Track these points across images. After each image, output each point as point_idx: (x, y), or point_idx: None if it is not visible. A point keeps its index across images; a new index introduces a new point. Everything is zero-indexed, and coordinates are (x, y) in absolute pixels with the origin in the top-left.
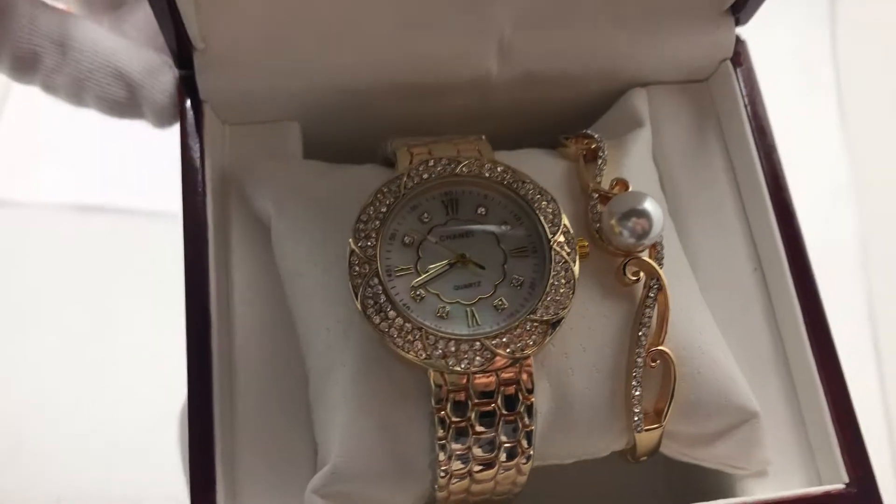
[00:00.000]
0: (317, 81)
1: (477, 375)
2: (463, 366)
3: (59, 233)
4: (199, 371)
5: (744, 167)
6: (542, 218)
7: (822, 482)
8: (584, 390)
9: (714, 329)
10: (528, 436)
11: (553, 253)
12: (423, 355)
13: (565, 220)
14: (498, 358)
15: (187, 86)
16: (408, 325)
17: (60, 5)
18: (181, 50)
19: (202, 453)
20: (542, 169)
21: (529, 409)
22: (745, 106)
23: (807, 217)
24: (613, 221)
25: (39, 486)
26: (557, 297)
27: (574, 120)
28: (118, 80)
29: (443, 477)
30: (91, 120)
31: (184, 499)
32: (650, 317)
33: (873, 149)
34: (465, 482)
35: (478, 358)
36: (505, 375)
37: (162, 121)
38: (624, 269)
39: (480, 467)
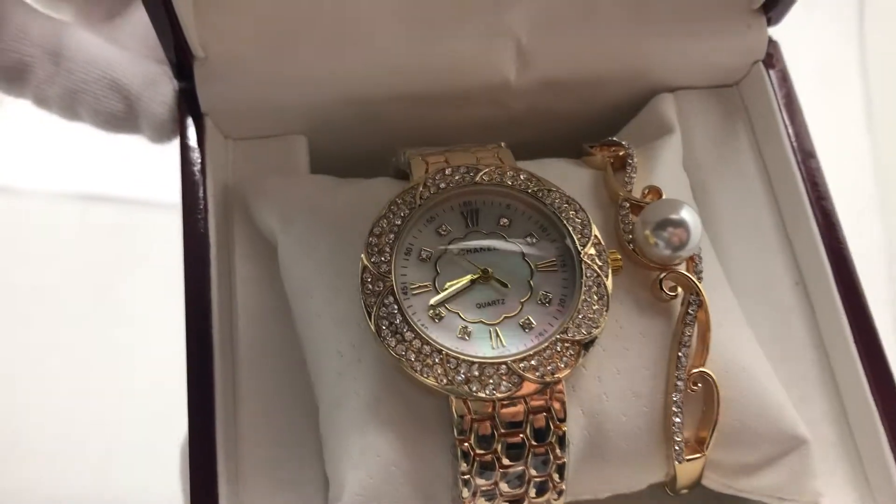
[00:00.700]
0: (324, 91)
1: (503, 403)
2: (488, 392)
3: (61, 222)
4: (199, 402)
5: (781, 175)
6: (570, 229)
7: None
8: (620, 417)
9: (757, 348)
10: (560, 469)
11: (584, 267)
12: (444, 380)
13: (596, 231)
14: (526, 383)
15: (187, 99)
16: (426, 347)
17: (55, 15)
18: (180, 59)
19: (204, 476)
20: (567, 178)
21: (561, 440)
22: (780, 110)
23: None
24: (648, 232)
25: (35, 487)
26: (590, 315)
27: (598, 128)
28: (115, 91)
29: None
30: None
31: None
32: (690, 336)
33: None
34: None
35: (504, 383)
36: (534, 403)
37: (160, 135)
38: (660, 283)
39: None
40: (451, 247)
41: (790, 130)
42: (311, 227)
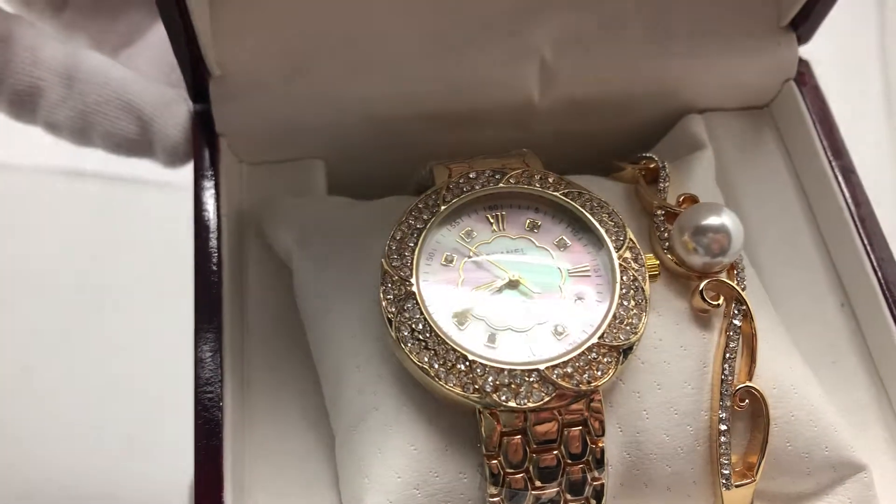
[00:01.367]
0: (343, 112)
1: (536, 415)
2: (518, 401)
3: (52, 197)
4: (206, 447)
5: (820, 194)
6: (603, 231)
7: None
8: (662, 437)
9: (805, 367)
10: (598, 493)
11: (620, 270)
12: (472, 389)
13: (630, 235)
14: (560, 392)
15: (202, 121)
16: (451, 354)
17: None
18: (196, 78)
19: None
20: (596, 190)
21: (599, 458)
22: (816, 128)
23: None
24: (686, 237)
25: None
26: (628, 320)
27: (625, 150)
28: (128, 113)
29: None
30: None
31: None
32: (735, 348)
33: None
34: None
35: (536, 391)
36: (569, 415)
37: (174, 159)
38: (701, 292)
39: None
40: (476, 252)
41: (828, 149)
42: (327, 246)
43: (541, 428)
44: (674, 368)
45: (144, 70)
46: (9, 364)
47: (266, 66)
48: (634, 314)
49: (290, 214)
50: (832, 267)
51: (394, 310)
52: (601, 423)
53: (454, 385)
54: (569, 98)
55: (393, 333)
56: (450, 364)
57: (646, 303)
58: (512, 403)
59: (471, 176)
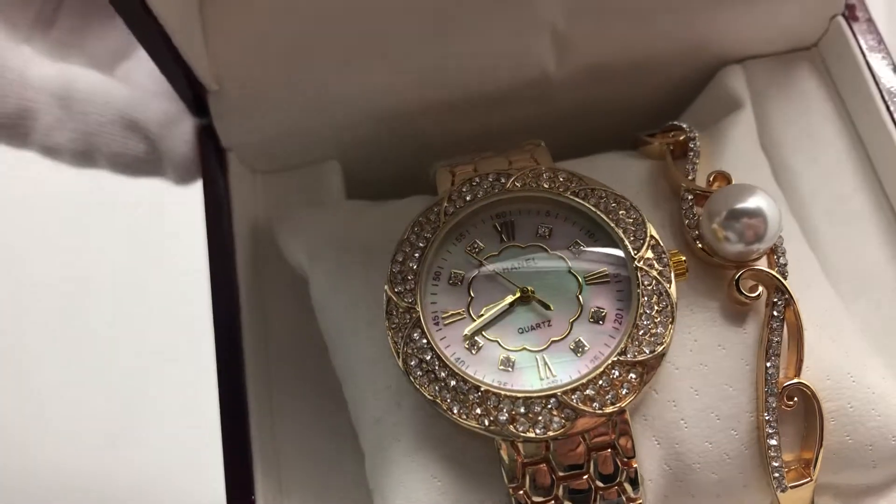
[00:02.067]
0: (352, 110)
1: (559, 442)
2: (538, 431)
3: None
4: (235, 457)
5: (879, 143)
6: (621, 231)
7: None
8: (704, 445)
9: (865, 348)
10: None
11: (640, 274)
12: (487, 422)
13: (652, 231)
14: (582, 417)
15: (208, 135)
16: (462, 385)
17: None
18: (195, 95)
19: None
20: (618, 173)
21: (634, 478)
22: (870, 68)
23: None
24: (716, 225)
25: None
26: (653, 330)
27: (657, 116)
28: (135, 132)
29: None
30: None
31: None
32: (778, 342)
33: None
34: None
35: (556, 419)
36: (596, 439)
37: (185, 175)
38: (737, 283)
39: None
40: (485, 266)
41: (884, 92)
42: (340, 260)
43: (566, 456)
44: (712, 370)
45: (144, 84)
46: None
47: (264, 73)
48: (659, 322)
49: (301, 227)
50: None
51: (400, 340)
52: (632, 442)
53: (468, 418)
54: (587, 66)
55: (401, 365)
56: (462, 395)
57: (672, 308)
58: (531, 434)
59: (474, 182)
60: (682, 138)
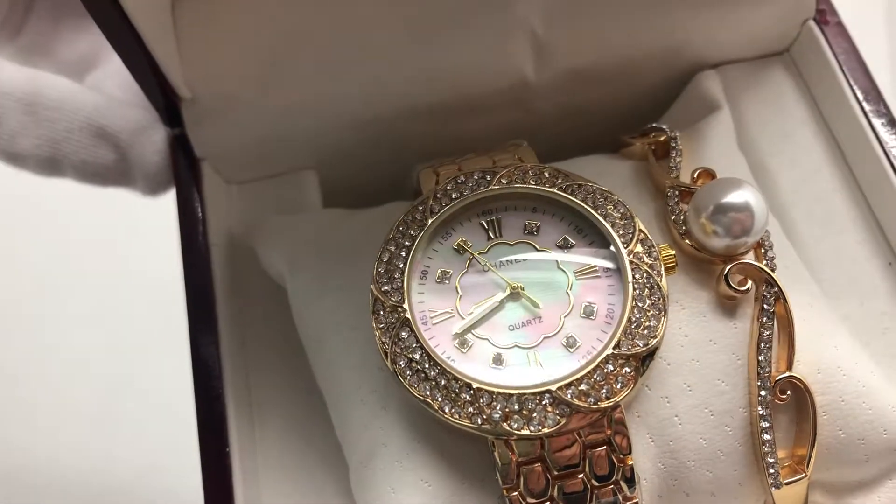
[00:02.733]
0: (328, 117)
1: (554, 440)
2: (532, 428)
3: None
4: (214, 474)
5: (855, 144)
6: (609, 226)
7: None
8: (698, 442)
9: (852, 342)
10: None
11: (631, 268)
12: (479, 420)
13: (640, 225)
14: (577, 412)
15: (181, 145)
16: (454, 383)
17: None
18: (168, 103)
19: None
20: (602, 174)
21: (630, 476)
22: (843, 70)
23: None
24: (704, 219)
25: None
26: (645, 323)
27: (636, 120)
28: (103, 140)
29: None
30: None
31: None
32: (770, 336)
33: None
34: None
35: (550, 415)
36: (591, 436)
37: (155, 187)
38: (726, 278)
39: None
40: (472, 265)
41: (857, 92)
42: (319, 268)
43: (561, 453)
44: (704, 366)
45: (115, 93)
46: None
47: (238, 81)
48: (652, 315)
49: (279, 235)
50: (876, 224)
51: (388, 340)
52: (627, 439)
53: (461, 417)
54: (567, 71)
55: (389, 366)
56: (453, 394)
57: (663, 301)
58: (525, 431)
59: (459, 181)
60: (663, 139)
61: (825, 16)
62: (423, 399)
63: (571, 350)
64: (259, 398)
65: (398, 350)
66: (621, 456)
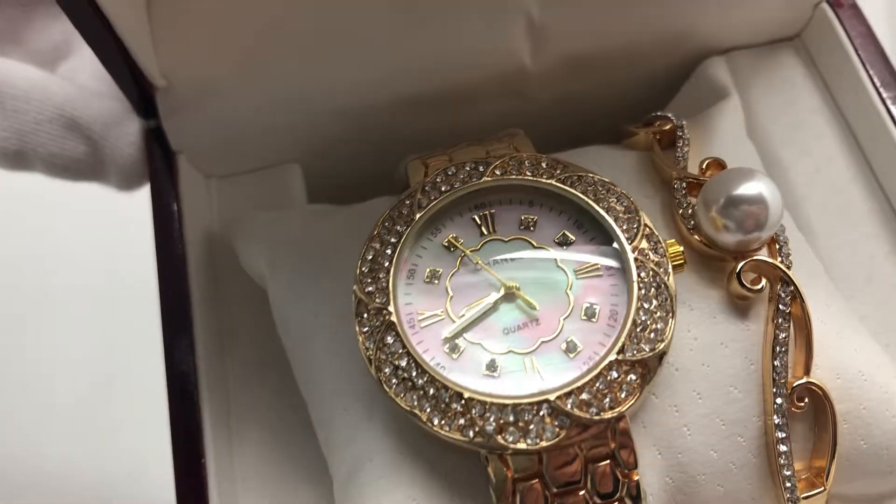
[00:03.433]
0: (313, 107)
1: (552, 454)
2: (529, 441)
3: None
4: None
5: (870, 132)
6: (612, 220)
7: None
8: (709, 454)
9: (873, 345)
10: None
11: (636, 265)
12: (471, 433)
13: (645, 219)
14: (577, 423)
15: (156, 137)
16: (444, 392)
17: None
18: (142, 93)
19: None
20: (604, 165)
21: (636, 494)
22: (858, 54)
23: None
24: (714, 213)
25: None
26: (652, 326)
27: (637, 110)
28: (74, 132)
29: None
30: None
31: None
32: (786, 338)
33: None
34: None
35: (549, 427)
36: (593, 449)
37: (129, 181)
38: (738, 276)
39: None
40: (464, 263)
41: (874, 77)
42: (301, 267)
43: (560, 470)
44: (715, 371)
45: (89, 84)
46: None
47: (216, 68)
48: (659, 317)
49: (259, 232)
50: (894, 217)
51: (372, 345)
52: (633, 452)
53: (451, 430)
54: (565, 57)
55: (374, 373)
56: (443, 404)
57: (671, 301)
58: (521, 444)
59: (449, 172)
60: (668, 127)
61: None
62: (411, 410)
63: (571, 356)
64: (238, 405)
65: (383, 356)
66: (626, 471)
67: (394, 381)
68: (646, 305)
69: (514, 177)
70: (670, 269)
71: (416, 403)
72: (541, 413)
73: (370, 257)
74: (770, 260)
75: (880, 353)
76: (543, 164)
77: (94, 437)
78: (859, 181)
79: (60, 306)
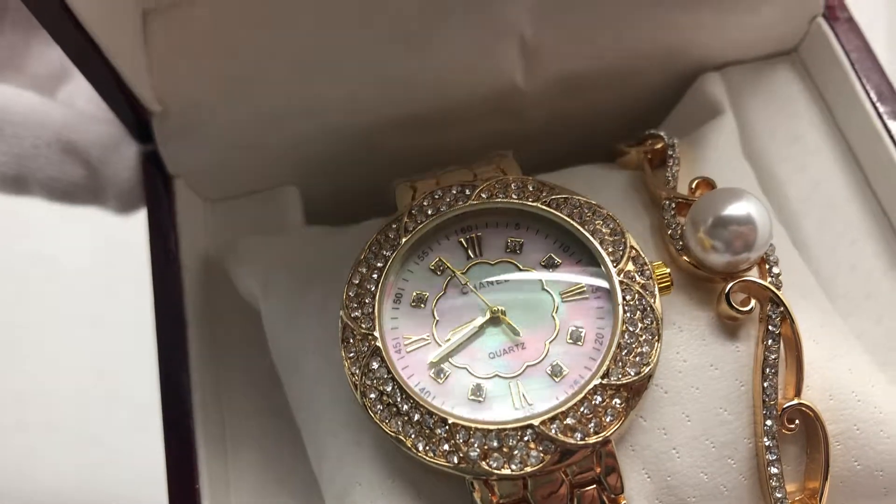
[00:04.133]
0: (308, 129)
1: (537, 479)
2: (514, 467)
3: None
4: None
5: (868, 148)
6: (598, 243)
7: None
8: (698, 476)
9: (868, 364)
10: None
11: (621, 288)
12: (456, 459)
13: (632, 241)
14: (562, 448)
15: (153, 161)
16: (428, 418)
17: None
18: (138, 119)
19: None
20: (594, 185)
21: None
22: (855, 69)
23: None
24: (702, 233)
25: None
26: (637, 349)
27: (631, 128)
28: (73, 156)
29: None
30: None
31: None
32: (776, 360)
33: None
34: None
35: (533, 452)
36: (579, 474)
37: (127, 205)
38: (727, 297)
39: None
40: (450, 287)
41: (871, 93)
42: (294, 290)
43: (545, 495)
44: (704, 394)
45: (87, 109)
46: None
47: (212, 93)
48: (645, 340)
49: (253, 256)
50: (892, 234)
51: (358, 371)
52: (619, 477)
53: (436, 455)
54: (558, 77)
55: (359, 399)
56: (427, 430)
57: (657, 324)
58: (506, 470)
59: (436, 196)
60: (659, 146)
61: (835, 12)
62: (395, 435)
63: (557, 379)
64: (233, 427)
65: (368, 382)
66: (613, 496)
67: (379, 406)
68: (631, 328)
69: (500, 200)
70: (657, 292)
71: (400, 429)
72: (525, 438)
73: (356, 282)
74: (759, 280)
75: (875, 372)
76: (530, 187)
77: (89, 452)
78: (857, 197)
79: (57, 328)
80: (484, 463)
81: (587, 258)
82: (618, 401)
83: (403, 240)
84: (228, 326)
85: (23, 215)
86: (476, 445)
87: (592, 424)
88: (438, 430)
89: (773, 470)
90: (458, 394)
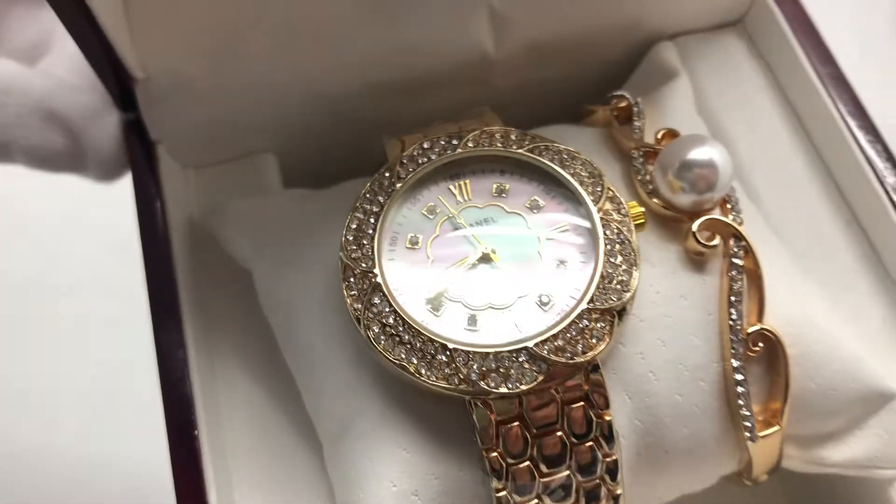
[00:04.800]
0: (286, 97)
1: (531, 397)
2: (510, 385)
3: None
4: (184, 471)
5: (810, 108)
6: (577, 184)
7: None
8: (674, 398)
9: (819, 297)
10: (612, 469)
11: (601, 224)
12: (456, 380)
13: (608, 183)
14: (554, 368)
15: (135, 129)
16: (430, 346)
17: None
18: (120, 84)
19: None
20: (567, 140)
21: (608, 433)
22: (796, 36)
23: None
24: (670, 177)
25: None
26: (618, 278)
27: (595, 92)
28: (54, 125)
29: None
30: None
31: None
32: (740, 289)
33: None
34: None
35: (528, 372)
36: (568, 392)
37: (108, 173)
38: (694, 234)
39: None
40: (442, 228)
41: (812, 57)
42: (285, 245)
43: (539, 411)
44: (676, 321)
45: (67, 78)
46: None
47: (193, 60)
48: (624, 270)
49: (241, 218)
50: (834, 185)
51: (360, 306)
52: (605, 394)
53: (438, 379)
54: (526, 45)
55: (363, 332)
56: (429, 356)
57: (635, 255)
58: (503, 389)
59: (425, 146)
60: (624, 105)
61: None
62: (399, 363)
63: (545, 308)
64: (226, 387)
65: (371, 315)
66: (599, 411)
67: (382, 338)
68: (612, 260)
69: (486, 148)
70: (633, 228)
71: (404, 357)
72: (520, 359)
73: (354, 226)
74: (722, 218)
75: (826, 303)
76: (513, 137)
77: (90, 423)
78: (801, 154)
79: (57, 328)
80: (483, 383)
81: (569, 200)
82: (602, 324)
83: (398, 186)
84: (217, 288)
85: (23, 215)
86: (475, 367)
87: (580, 345)
88: (439, 356)
89: (741, 390)
90: (454, 324)
